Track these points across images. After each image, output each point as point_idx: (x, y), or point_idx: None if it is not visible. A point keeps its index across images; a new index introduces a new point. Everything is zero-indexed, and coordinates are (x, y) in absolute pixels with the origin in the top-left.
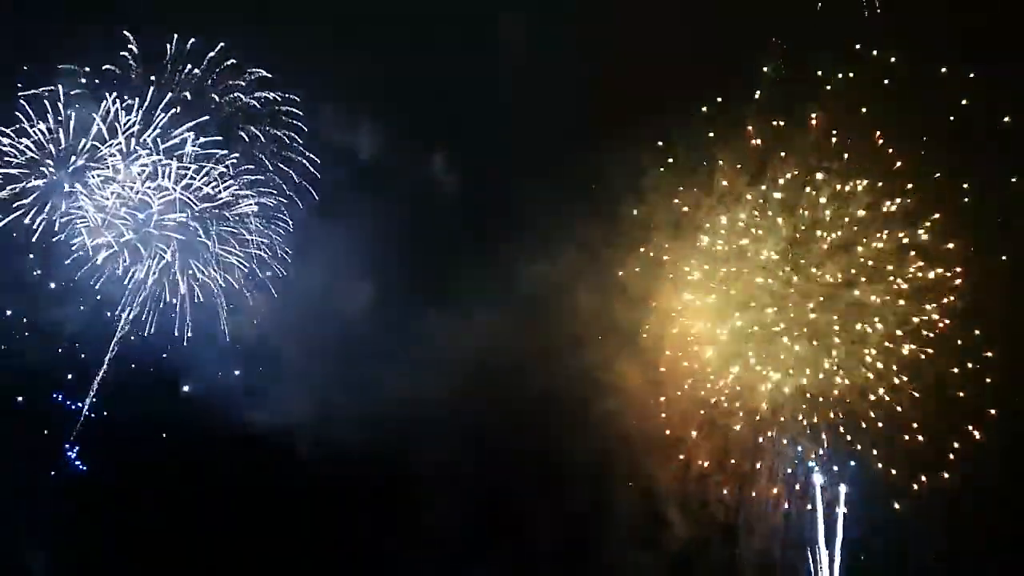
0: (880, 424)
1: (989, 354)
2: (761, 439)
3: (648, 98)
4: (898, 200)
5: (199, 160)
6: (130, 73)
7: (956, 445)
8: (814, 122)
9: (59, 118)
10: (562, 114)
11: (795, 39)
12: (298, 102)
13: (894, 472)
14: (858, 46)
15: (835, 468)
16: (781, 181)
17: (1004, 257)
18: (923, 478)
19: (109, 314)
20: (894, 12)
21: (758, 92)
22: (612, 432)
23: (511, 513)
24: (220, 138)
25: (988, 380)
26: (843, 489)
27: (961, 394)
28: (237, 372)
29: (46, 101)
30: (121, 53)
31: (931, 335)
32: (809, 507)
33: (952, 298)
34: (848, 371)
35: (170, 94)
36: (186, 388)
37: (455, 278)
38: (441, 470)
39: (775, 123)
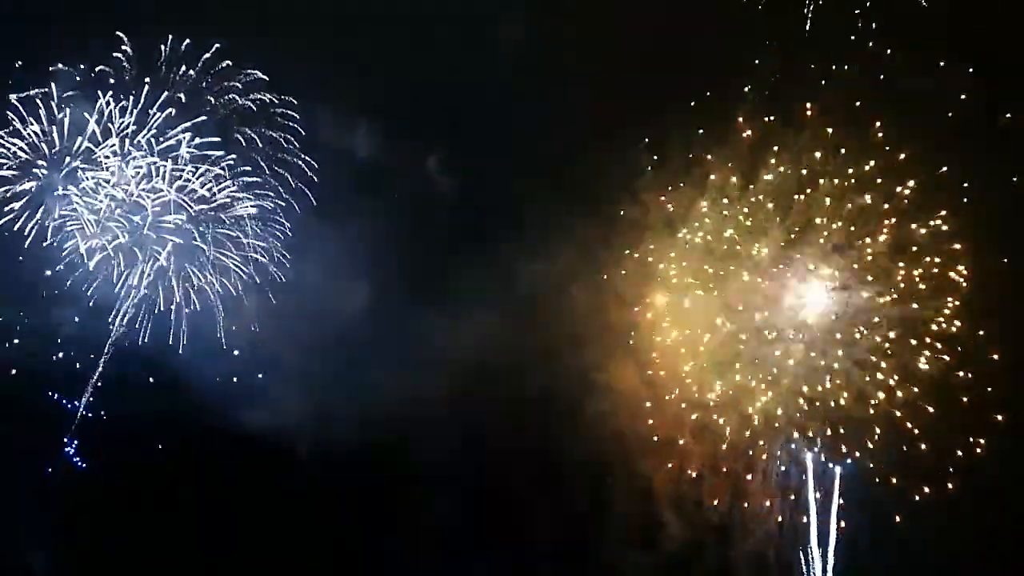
0: (876, 426)
1: (995, 356)
2: (756, 442)
3: (644, 97)
4: (897, 194)
5: (194, 162)
6: (124, 75)
7: (959, 453)
8: (808, 113)
9: (52, 119)
10: (559, 114)
11: (789, 36)
12: (294, 104)
13: (894, 480)
14: (852, 37)
15: (829, 469)
16: (771, 176)
17: (1005, 260)
18: (926, 489)
19: (105, 318)
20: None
21: (748, 87)
22: (607, 433)
23: (508, 513)
24: (216, 139)
25: (995, 383)
26: (837, 490)
27: (965, 399)
28: (235, 379)
29: (39, 102)
30: (115, 54)
31: (932, 337)
32: (803, 508)
33: (953, 299)
34: (844, 372)
35: (166, 93)
36: (184, 390)
37: (453, 278)
38: (439, 470)
39: (767, 119)
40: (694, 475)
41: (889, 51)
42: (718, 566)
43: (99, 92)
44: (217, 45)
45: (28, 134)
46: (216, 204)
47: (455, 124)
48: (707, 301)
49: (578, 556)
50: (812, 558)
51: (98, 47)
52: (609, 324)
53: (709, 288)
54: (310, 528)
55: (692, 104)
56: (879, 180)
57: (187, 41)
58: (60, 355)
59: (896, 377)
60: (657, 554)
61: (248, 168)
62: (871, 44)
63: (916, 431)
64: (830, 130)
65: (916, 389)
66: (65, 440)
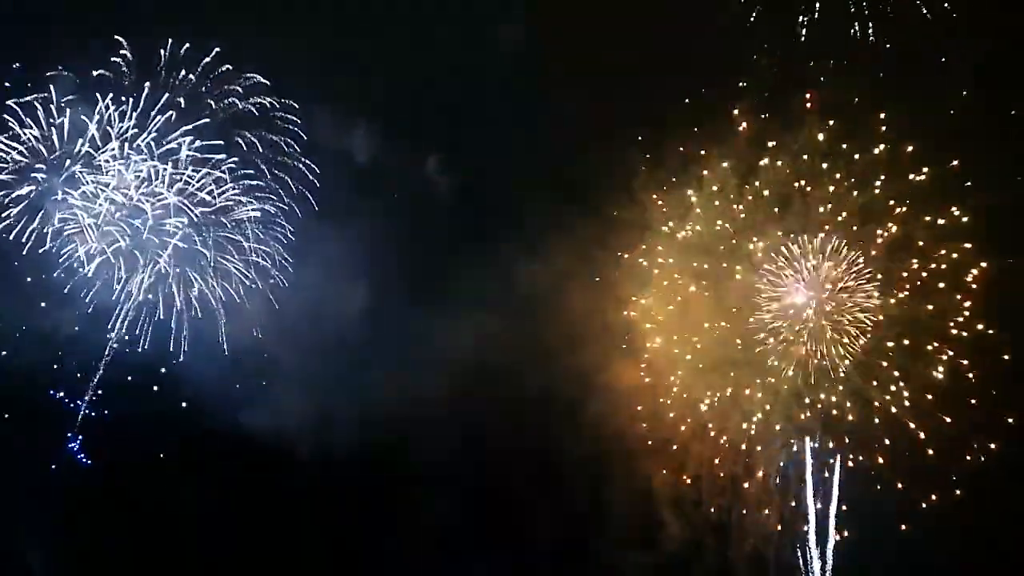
0: (876, 426)
1: (1006, 357)
2: (755, 442)
3: (642, 97)
4: (900, 191)
5: (195, 165)
6: (123, 79)
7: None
8: (808, 105)
9: (51, 123)
10: (558, 115)
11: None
12: (294, 107)
13: (900, 484)
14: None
15: (828, 469)
16: (769, 174)
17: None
18: (934, 497)
19: (105, 323)
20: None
21: (745, 84)
22: (606, 433)
23: (508, 513)
24: (218, 143)
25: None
26: (835, 490)
27: (974, 401)
28: (236, 381)
29: (38, 106)
30: (114, 58)
31: (933, 337)
32: (803, 508)
33: (960, 299)
34: (844, 372)
35: (167, 95)
36: (185, 393)
37: (453, 279)
38: (439, 470)
39: (763, 116)
40: (694, 475)
41: (889, 46)
42: (718, 566)
43: (99, 96)
44: (217, 49)
45: (27, 138)
46: (217, 208)
47: (455, 125)
48: (706, 301)
49: (578, 556)
50: (811, 558)
51: (97, 51)
52: (608, 324)
53: (708, 288)
54: (310, 528)
55: (688, 102)
56: (882, 176)
57: (187, 45)
58: (60, 359)
59: (895, 376)
60: (657, 554)
61: (250, 171)
62: (871, 39)
63: (922, 434)
64: (832, 122)
65: (916, 389)
66: (69, 436)
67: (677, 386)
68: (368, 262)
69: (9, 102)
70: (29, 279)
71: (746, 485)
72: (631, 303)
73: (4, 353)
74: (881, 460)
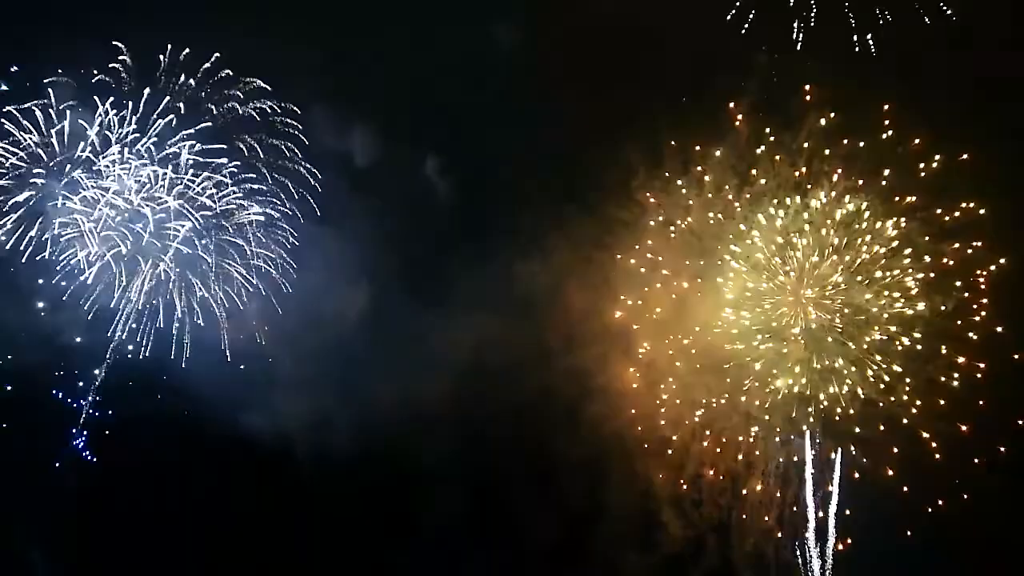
0: (877, 426)
1: (1016, 356)
2: (755, 442)
3: (641, 96)
4: (904, 189)
5: (196, 169)
6: (123, 84)
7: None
8: (808, 98)
9: (51, 129)
10: (558, 115)
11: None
12: (295, 111)
13: (906, 490)
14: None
15: (828, 469)
16: (768, 173)
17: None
18: (940, 503)
19: (105, 328)
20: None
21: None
22: (605, 433)
23: (508, 513)
24: (219, 147)
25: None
26: (835, 490)
27: (982, 402)
28: (239, 376)
29: (37, 111)
30: (113, 64)
31: (935, 337)
32: (802, 509)
33: (965, 298)
34: (844, 372)
35: (167, 99)
36: (186, 395)
37: (453, 279)
38: (439, 470)
39: (761, 115)
40: (694, 475)
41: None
42: (718, 566)
43: (99, 101)
44: (217, 54)
45: (27, 143)
46: (218, 212)
47: (455, 125)
48: (705, 300)
49: (578, 556)
50: (811, 558)
51: (97, 56)
52: (607, 324)
53: (706, 287)
54: (310, 529)
55: (686, 100)
56: (886, 172)
57: (187, 50)
58: (62, 365)
59: (897, 374)
60: (656, 554)
61: (251, 175)
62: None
63: (925, 434)
64: (833, 114)
65: (918, 389)
66: (73, 431)
67: (676, 386)
68: (369, 264)
69: (9, 107)
70: (29, 284)
71: (745, 488)
72: (629, 303)
73: (9, 357)
74: (882, 461)
